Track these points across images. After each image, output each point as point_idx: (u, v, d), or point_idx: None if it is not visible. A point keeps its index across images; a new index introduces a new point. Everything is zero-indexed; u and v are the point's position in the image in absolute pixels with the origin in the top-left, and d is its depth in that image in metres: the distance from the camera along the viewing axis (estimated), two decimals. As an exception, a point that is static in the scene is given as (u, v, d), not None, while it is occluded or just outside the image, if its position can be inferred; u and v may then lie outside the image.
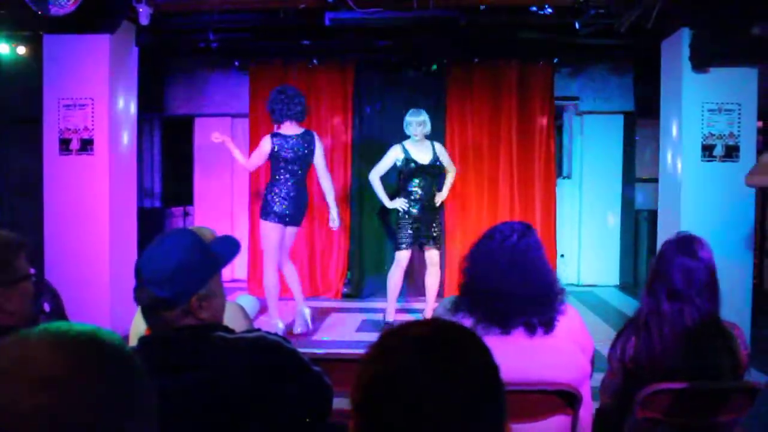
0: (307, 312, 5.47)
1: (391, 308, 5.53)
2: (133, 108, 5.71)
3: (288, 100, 5.14)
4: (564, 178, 7.69)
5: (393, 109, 6.67)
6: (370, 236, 7.04)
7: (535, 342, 2.02)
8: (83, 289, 5.04)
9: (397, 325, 1.00)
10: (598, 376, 2.39)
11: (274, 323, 5.23)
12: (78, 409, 0.68)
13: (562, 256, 7.42)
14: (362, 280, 7.04)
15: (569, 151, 7.80)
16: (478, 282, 2.08)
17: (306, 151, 5.19)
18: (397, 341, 0.95)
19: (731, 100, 5.15)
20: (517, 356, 1.98)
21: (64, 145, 5.33)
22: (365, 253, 7.05)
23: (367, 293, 6.92)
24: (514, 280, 2.02)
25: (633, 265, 7.46)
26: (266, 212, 5.16)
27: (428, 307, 5.59)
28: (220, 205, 7.67)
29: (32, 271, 1.97)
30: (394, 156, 5.41)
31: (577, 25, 5.75)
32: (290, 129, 5.18)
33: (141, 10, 5.10)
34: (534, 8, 5.41)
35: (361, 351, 0.99)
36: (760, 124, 5.84)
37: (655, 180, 5.97)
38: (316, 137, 5.33)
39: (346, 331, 5.68)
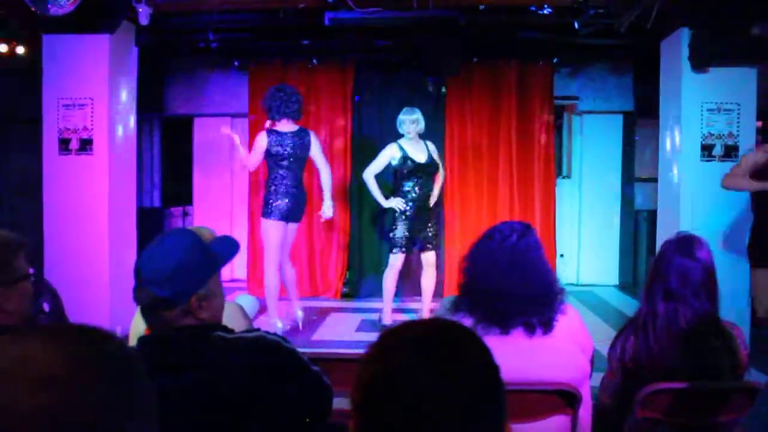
0: (300, 314, 5.52)
1: (387, 310, 5.50)
2: (132, 108, 5.70)
3: (286, 97, 5.16)
4: (563, 177, 7.69)
5: (393, 109, 6.66)
6: (370, 236, 7.04)
7: (535, 342, 2.02)
8: (83, 288, 5.04)
9: (396, 325, 1.00)
10: (598, 376, 2.39)
11: (273, 323, 5.23)
12: (78, 409, 0.68)
13: (561, 255, 7.42)
14: (361, 280, 7.04)
15: (569, 150, 7.81)
16: (478, 282, 2.08)
17: (302, 147, 5.23)
18: (397, 341, 0.95)
19: (730, 100, 5.15)
20: (517, 356, 1.98)
21: (64, 144, 5.33)
22: (365, 253, 7.05)
23: (367, 293, 6.92)
24: (513, 280, 2.02)
25: (632, 265, 7.46)
26: (268, 210, 5.17)
27: (425, 308, 5.56)
28: (219, 205, 7.68)
29: (31, 270, 1.97)
30: (389, 155, 5.36)
31: (576, 25, 5.75)
32: (286, 126, 5.20)
33: (140, 10, 5.10)
34: (533, 8, 5.42)
35: (361, 351, 0.99)
36: (759, 124, 5.84)
37: (655, 180, 5.98)
38: (312, 133, 5.38)
39: (346, 331, 5.68)
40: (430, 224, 5.45)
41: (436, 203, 6.81)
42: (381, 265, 5.72)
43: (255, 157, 5.19)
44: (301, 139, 5.23)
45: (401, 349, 0.93)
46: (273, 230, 5.17)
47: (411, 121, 5.33)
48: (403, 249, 5.35)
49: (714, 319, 2.22)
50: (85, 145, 5.33)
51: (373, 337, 1.06)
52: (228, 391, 1.47)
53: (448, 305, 2.18)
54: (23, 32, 5.79)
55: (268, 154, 5.14)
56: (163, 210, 7.69)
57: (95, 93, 5.31)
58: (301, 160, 5.26)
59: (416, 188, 5.34)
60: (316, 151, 5.33)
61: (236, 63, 7.13)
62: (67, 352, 0.71)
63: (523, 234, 2.09)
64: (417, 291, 5.70)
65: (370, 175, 5.40)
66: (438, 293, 6.73)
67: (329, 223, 6.92)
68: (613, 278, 7.52)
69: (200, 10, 5.60)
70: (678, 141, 5.31)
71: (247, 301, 5.84)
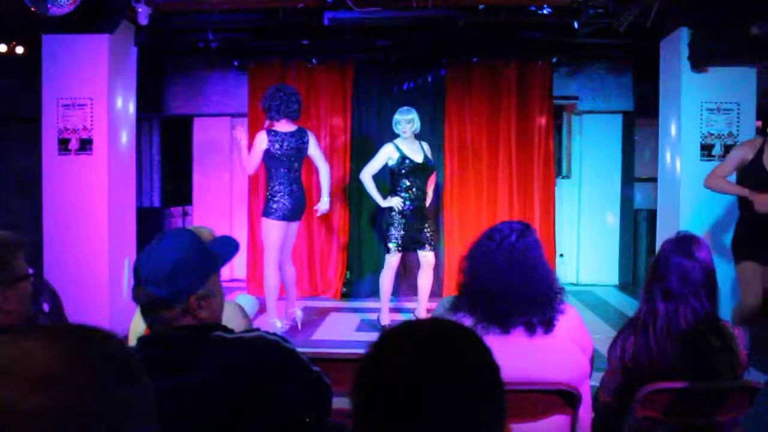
0: (300, 314, 5.54)
1: (384, 311, 5.48)
2: (132, 108, 5.70)
3: (286, 97, 5.17)
4: (563, 177, 7.69)
5: (392, 109, 6.65)
6: (369, 236, 7.03)
7: (535, 341, 2.02)
8: (82, 288, 5.04)
9: (396, 325, 1.00)
10: (598, 376, 2.39)
11: (272, 322, 5.24)
12: (77, 409, 0.68)
13: (561, 255, 7.42)
14: (361, 280, 7.04)
15: (568, 150, 7.81)
16: (478, 282, 2.08)
17: (301, 147, 5.25)
18: (397, 341, 0.95)
19: (730, 100, 5.15)
20: (517, 356, 1.98)
21: (63, 144, 5.33)
22: (364, 253, 7.05)
23: (367, 293, 6.92)
24: (513, 280, 2.03)
25: (632, 265, 7.47)
26: (269, 210, 5.18)
27: (421, 308, 5.53)
28: (219, 204, 7.68)
29: (31, 270, 1.97)
30: (386, 154, 5.34)
31: (576, 25, 5.76)
32: (285, 126, 5.21)
33: (140, 9, 5.10)
34: (533, 8, 5.42)
35: (361, 351, 0.99)
36: (759, 123, 5.85)
37: (654, 179, 5.98)
38: (310, 132, 5.41)
39: (345, 331, 5.68)
40: (427, 224, 5.44)
41: (433, 204, 6.84)
42: (380, 266, 5.72)
43: (255, 158, 5.18)
44: (300, 138, 5.25)
45: (401, 349, 0.93)
46: (274, 230, 5.18)
47: (407, 121, 5.31)
48: (400, 249, 5.33)
49: (714, 319, 2.22)
50: (85, 145, 5.32)
51: (372, 337, 1.06)
52: (228, 391, 1.47)
53: (448, 305, 2.18)
54: (23, 32, 5.79)
55: (267, 154, 5.15)
56: (162, 210, 7.69)
57: (95, 93, 5.31)
58: (300, 159, 5.29)
59: (413, 188, 5.32)
60: (314, 151, 5.35)
61: (236, 63, 7.13)
62: (66, 352, 0.71)
63: (522, 234, 2.09)
64: (415, 291, 5.69)
65: (367, 175, 5.38)
66: (438, 293, 6.74)
67: (329, 223, 6.93)
68: (613, 278, 7.53)
69: (200, 9, 5.60)
70: (678, 140, 5.31)
71: (246, 301, 5.83)
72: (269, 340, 1.59)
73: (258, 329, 1.67)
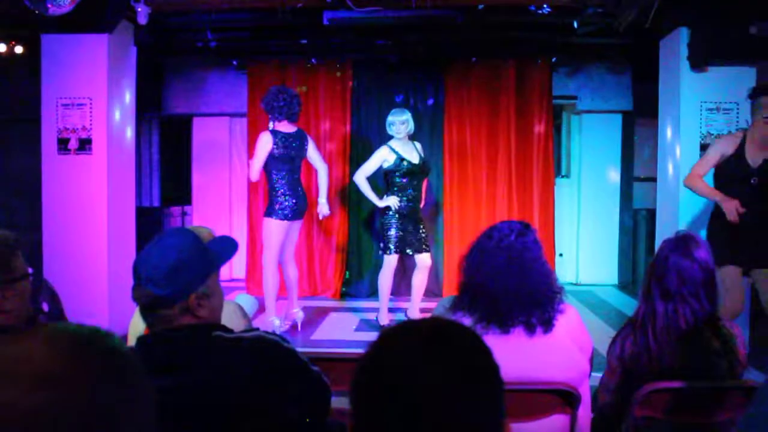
0: (300, 314, 5.54)
1: (383, 311, 5.49)
2: (131, 107, 5.70)
3: (289, 99, 5.21)
4: (562, 177, 7.70)
5: (391, 109, 6.66)
6: (368, 236, 7.04)
7: (534, 341, 2.02)
8: (82, 288, 5.05)
9: (396, 324, 1.00)
10: (597, 375, 2.39)
11: (271, 321, 5.24)
12: (76, 409, 0.68)
13: (560, 255, 7.43)
14: (361, 280, 7.04)
15: (567, 150, 7.82)
16: (477, 281, 2.08)
17: (301, 148, 5.30)
18: (396, 341, 0.95)
19: (729, 100, 5.14)
20: (517, 355, 1.98)
21: (63, 144, 5.33)
22: (364, 252, 7.06)
23: (366, 293, 6.92)
24: (512, 279, 2.02)
25: (631, 264, 7.47)
26: (272, 210, 5.20)
27: (414, 307, 5.54)
28: (218, 204, 7.68)
29: (30, 270, 1.97)
30: (381, 157, 5.33)
31: (575, 24, 5.76)
32: (286, 127, 5.23)
33: (139, 9, 5.10)
34: (532, 7, 5.41)
35: (360, 350, 0.99)
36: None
37: (654, 179, 5.98)
38: (307, 134, 5.47)
39: (345, 331, 5.68)
40: (422, 225, 5.45)
41: (433, 204, 6.85)
42: (379, 266, 5.72)
43: (261, 160, 5.15)
44: (300, 140, 5.30)
45: (400, 349, 0.93)
46: (277, 230, 5.20)
47: (401, 122, 5.31)
48: (398, 249, 5.33)
49: (713, 319, 2.22)
50: (84, 144, 5.32)
51: (372, 336, 1.06)
52: (227, 390, 1.47)
53: (448, 305, 2.18)
54: (22, 32, 5.78)
55: (270, 155, 5.16)
56: (162, 209, 7.69)
57: (94, 92, 5.31)
58: (300, 160, 5.33)
59: (409, 189, 5.32)
60: (313, 152, 5.40)
61: (235, 62, 7.13)
62: (65, 351, 0.71)
63: (521, 233, 2.08)
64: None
65: (361, 176, 5.38)
66: (438, 293, 6.76)
67: (328, 223, 6.93)
68: (612, 278, 7.53)
69: (199, 9, 5.60)
70: (677, 140, 5.31)
71: (246, 300, 5.84)
72: (269, 340, 1.59)
73: (257, 329, 1.67)
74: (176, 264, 1.51)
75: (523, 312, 2.02)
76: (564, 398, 2.02)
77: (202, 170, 7.69)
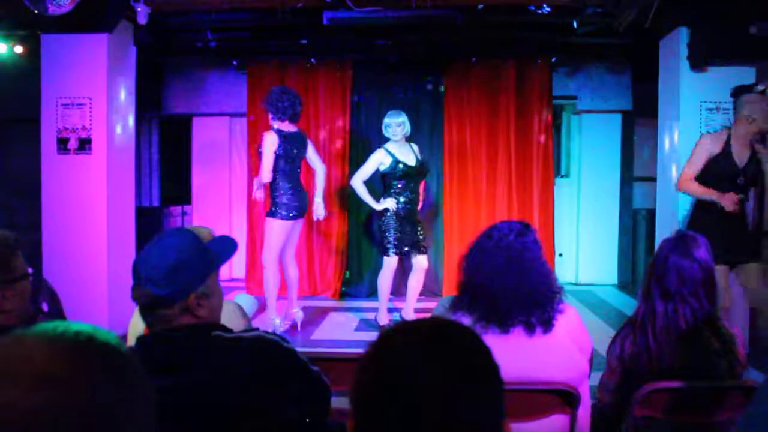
0: (300, 314, 5.54)
1: (383, 311, 5.50)
2: (131, 107, 5.70)
3: (293, 99, 5.24)
4: (562, 177, 7.70)
5: (391, 109, 6.66)
6: (368, 236, 7.04)
7: (534, 341, 2.02)
8: (81, 288, 5.05)
9: (395, 324, 1.00)
10: (597, 375, 2.39)
11: (271, 319, 5.25)
12: (76, 409, 0.68)
13: (560, 255, 7.43)
14: (360, 280, 7.05)
15: (567, 150, 7.81)
16: (476, 280, 2.08)
17: (302, 148, 5.33)
18: (396, 340, 0.95)
19: (729, 100, 5.14)
20: (516, 355, 1.98)
21: (62, 144, 5.33)
22: (363, 252, 7.06)
23: (366, 293, 6.92)
24: (511, 279, 2.02)
25: (631, 264, 7.47)
26: (275, 210, 5.21)
27: (408, 308, 5.54)
28: (218, 204, 7.68)
29: (30, 270, 1.97)
30: (377, 160, 5.32)
31: (575, 24, 5.76)
32: (288, 127, 5.24)
33: (139, 9, 5.10)
34: (532, 7, 5.41)
35: (360, 350, 0.99)
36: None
37: (653, 179, 5.98)
38: (305, 135, 5.50)
39: (345, 331, 5.68)
40: (419, 227, 5.45)
41: (432, 204, 6.85)
42: (379, 266, 5.72)
43: (270, 160, 5.13)
44: (301, 140, 5.33)
45: (400, 349, 0.93)
46: (279, 230, 5.22)
47: (397, 124, 5.31)
48: (397, 251, 5.33)
49: (713, 319, 2.22)
50: (84, 144, 5.32)
51: (371, 336, 1.06)
52: (227, 390, 1.47)
53: (447, 304, 2.17)
54: (22, 32, 5.78)
55: (274, 155, 5.17)
56: (161, 209, 7.68)
57: (94, 92, 5.31)
58: (300, 160, 5.36)
59: (407, 191, 5.32)
60: (311, 153, 5.43)
61: (235, 62, 7.13)
62: (65, 351, 0.71)
63: (521, 233, 2.08)
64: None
65: (358, 181, 5.38)
66: (437, 293, 6.76)
67: (328, 223, 6.93)
68: (612, 277, 7.53)
69: (199, 9, 5.60)
70: (677, 140, 5.31)
71: (245, 300, 5.84)
72: (268, 340, 1.59)
73: (257, 329, 1.67)
74: (176, 264, 1.51)
75: (523, 312, 2.02)
76: (564, 398, 2.02)
77: (202, 170, 7.69)
